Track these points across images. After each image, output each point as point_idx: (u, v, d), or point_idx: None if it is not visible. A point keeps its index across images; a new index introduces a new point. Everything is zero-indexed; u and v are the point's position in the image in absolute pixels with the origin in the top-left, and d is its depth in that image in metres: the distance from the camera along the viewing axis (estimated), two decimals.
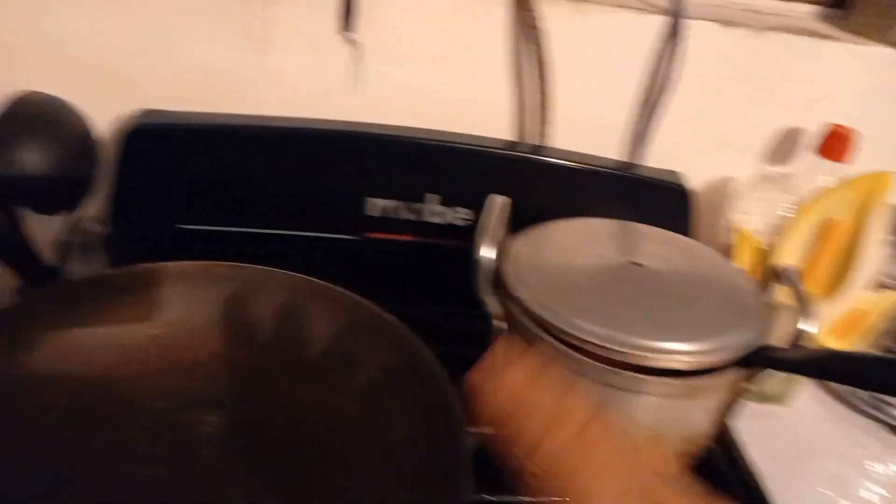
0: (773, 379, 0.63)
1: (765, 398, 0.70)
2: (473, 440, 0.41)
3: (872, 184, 0.66)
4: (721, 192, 0.76)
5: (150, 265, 0.54)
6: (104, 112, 0.63)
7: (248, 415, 0.50)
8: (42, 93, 0.57)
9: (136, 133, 0.61)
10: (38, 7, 0.60)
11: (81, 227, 0.63)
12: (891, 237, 0.68)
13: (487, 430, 0.42)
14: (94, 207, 0.63)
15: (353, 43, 0.64)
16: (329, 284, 0.55)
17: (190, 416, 0.49)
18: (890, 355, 0.68)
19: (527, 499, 0.39)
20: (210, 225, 0.64)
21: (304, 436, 0.49)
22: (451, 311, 0.65)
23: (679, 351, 0.46)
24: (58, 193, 0.57)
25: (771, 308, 0.53)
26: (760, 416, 0.67)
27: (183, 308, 0.54)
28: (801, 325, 0.50)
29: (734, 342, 0.48)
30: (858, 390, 0.71)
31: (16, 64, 0.60)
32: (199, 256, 0.55)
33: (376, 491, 0.46)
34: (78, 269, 0.62)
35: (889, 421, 0.70)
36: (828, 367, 0.48)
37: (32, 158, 0.54)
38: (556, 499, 0.36)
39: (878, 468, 0.65)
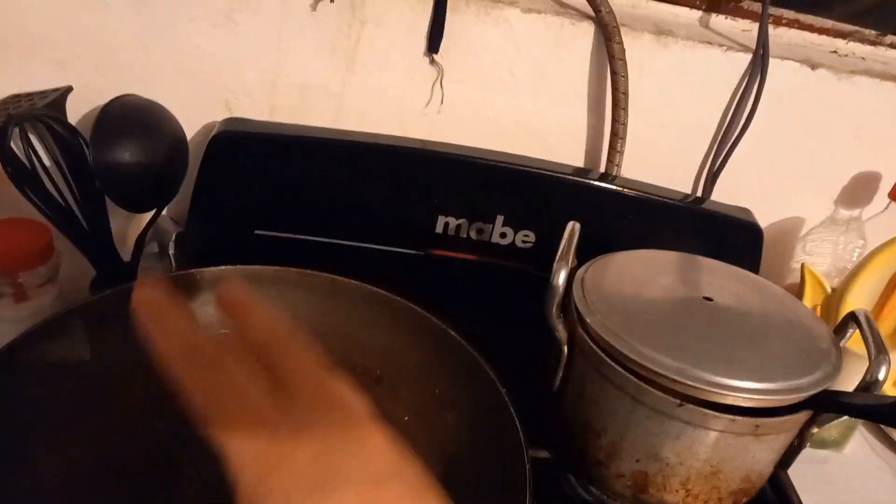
0: (833, 424, 0.62)
1: (822, 444, 0.68)
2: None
3: None
4: (790, 231, 0.76)
5: (221, 268, 0.54)
6: (197, 118, 0.66)
7: None
8: (141, 96, 0.60)
9: (219, 139, 0.63)
10: (147, 21, 0.63)
11: (160, 226, 0.65)
12: None
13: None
14: (174, 208, 0.66)
15: (437, 65, 0.66)
16: (397, 297, 0.56)
17: None
18: None
19: None
20: (283, 232, 0.65)
21: None
22: (510, 331, 0.66)
23: (748, 389, 0.46)
24: (147, 191, 0.60)
25: (841, 352, 0.53)
26: (814, 462, 0.66)
27: None
28: (873, 372, 0.49)
29: (804, 384, 0.47)
30: None
31: (120, 69, 0.64)
32: (270, 262, 0.56)
33: None
34: (152, 266, 0.64)
35: None
36: None
37: (127, 156, 0.57)
38: None
39: None
